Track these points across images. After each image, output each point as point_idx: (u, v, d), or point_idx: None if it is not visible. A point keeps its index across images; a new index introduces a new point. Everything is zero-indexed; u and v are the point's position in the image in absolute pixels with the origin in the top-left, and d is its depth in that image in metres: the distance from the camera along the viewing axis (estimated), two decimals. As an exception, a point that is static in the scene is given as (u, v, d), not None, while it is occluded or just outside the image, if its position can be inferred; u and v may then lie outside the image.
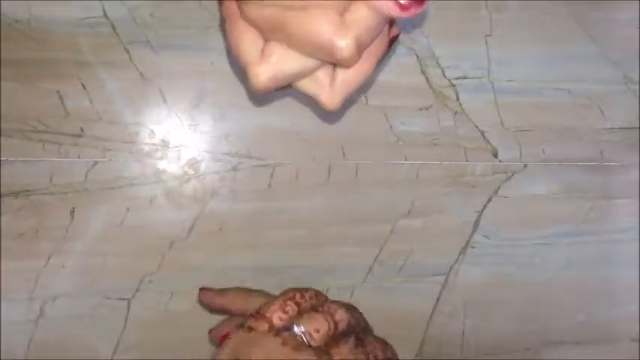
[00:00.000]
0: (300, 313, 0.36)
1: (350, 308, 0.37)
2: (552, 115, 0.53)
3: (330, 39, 0.30)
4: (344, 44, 0.30)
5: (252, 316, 0.36)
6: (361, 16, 0.30)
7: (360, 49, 0.31)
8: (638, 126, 0.54)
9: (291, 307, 0.36)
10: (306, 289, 0.38)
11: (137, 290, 0.49)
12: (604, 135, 0.54)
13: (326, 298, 0.38)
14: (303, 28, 0.30)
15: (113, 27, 0.48)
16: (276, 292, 0.50)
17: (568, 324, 0.54)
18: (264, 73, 0.32)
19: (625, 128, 0.54)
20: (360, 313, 0.38)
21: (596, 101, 0.53)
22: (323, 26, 0.30)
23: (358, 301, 0.51)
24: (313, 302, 0.37)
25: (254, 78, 0.32)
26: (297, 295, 0.37)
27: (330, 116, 0.50)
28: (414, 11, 0.30)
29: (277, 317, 0.35)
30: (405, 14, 0.30)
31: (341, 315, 0.36)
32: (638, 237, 0.54)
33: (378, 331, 0.51)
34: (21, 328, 0.48)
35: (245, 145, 0.50)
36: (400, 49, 0.51)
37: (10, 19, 0.47)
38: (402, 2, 0.29)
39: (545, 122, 0.53)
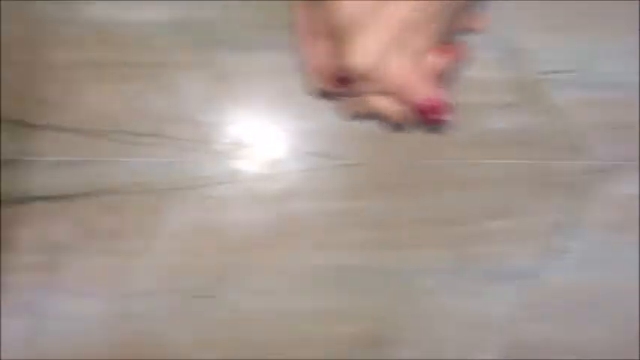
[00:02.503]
0: None
1: None
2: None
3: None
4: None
5: None
6: None
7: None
8: None
9: None
10: None
11: (215, 289, 0.49)
12: None
13: None
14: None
15: (190, 27, 0.47)
16: (356, 295, 0.49)
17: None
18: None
19: None
20: None
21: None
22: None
23: (443, 304, 0.50)
24: None
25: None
26: None
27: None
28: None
29: None
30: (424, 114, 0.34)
31: None
32: None
33: (461, 334, 0.50)
34: (103, 325, 0.48)
35: (325, 145, 0.49)
36: (486, 42, 0.48)
37: (90, 21, 0.47)
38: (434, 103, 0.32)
39: None
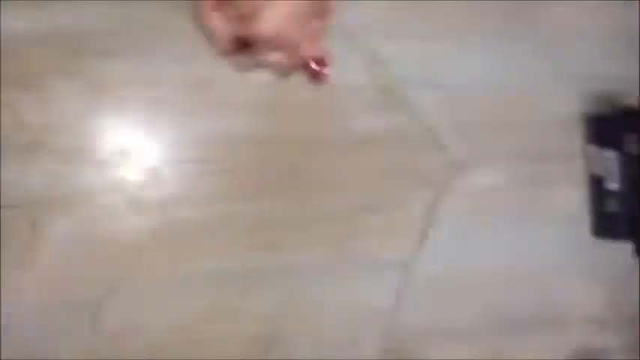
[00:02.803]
0: None
1: None
2: (503, 110, 0.55)
3: None
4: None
5: None
6: None
7: None
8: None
9: None
10: None
11: (103, 300, 0.49)
12: (549, 128, 0.56)
13: None
14: None
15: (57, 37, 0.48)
16: (242, 297, 0.51)
17: (527, 309, 0.56)
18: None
19: (569, 120, 0.57)
20: None
21: (542, 95, 0.56)
22: None
23: (322, 300, 0.52)
24: None
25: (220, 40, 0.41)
26: None
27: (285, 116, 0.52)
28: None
29: None
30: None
31: None
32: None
33: (344, 327, 0.52)
34: None
35: (201, 151, 0.51)
36: (345, 49, 0.52)
37: None
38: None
39: (495, 117, 0.55)
